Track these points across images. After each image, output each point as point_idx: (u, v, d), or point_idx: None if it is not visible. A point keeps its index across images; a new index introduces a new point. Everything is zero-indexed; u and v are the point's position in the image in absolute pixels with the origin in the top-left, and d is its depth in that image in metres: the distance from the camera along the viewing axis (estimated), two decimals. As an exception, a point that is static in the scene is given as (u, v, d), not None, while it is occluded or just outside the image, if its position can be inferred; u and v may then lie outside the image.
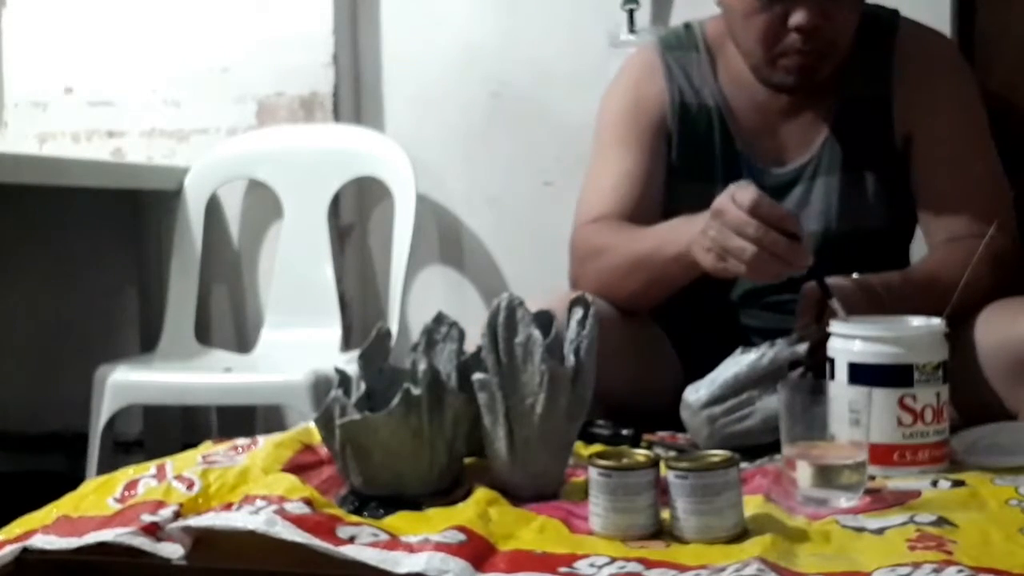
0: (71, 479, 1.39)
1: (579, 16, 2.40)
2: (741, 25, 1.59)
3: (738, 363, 1.39)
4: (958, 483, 1.20)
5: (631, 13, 2.32)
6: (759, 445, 1.33)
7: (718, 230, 1.36)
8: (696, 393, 1.39)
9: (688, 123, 1.69)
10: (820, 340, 1.37)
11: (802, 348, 1.38)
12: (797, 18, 1.53)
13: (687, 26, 1.75)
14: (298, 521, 1.03)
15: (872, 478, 1.20)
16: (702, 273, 1.45)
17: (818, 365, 1.37)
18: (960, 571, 0.92)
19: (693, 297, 1.61)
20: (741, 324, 1.67)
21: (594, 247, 1.64)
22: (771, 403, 1.34)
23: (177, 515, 1.11)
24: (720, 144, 1.68)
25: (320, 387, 2.09)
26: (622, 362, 1.43)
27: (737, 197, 1.34)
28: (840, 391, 1.23)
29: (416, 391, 1.16)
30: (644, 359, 1.59)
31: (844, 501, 1.14)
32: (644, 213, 1.63)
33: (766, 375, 1.37)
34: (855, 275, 1.47)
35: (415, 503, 1.15)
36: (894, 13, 1.69)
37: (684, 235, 1.45)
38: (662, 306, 1.67)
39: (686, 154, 1.69)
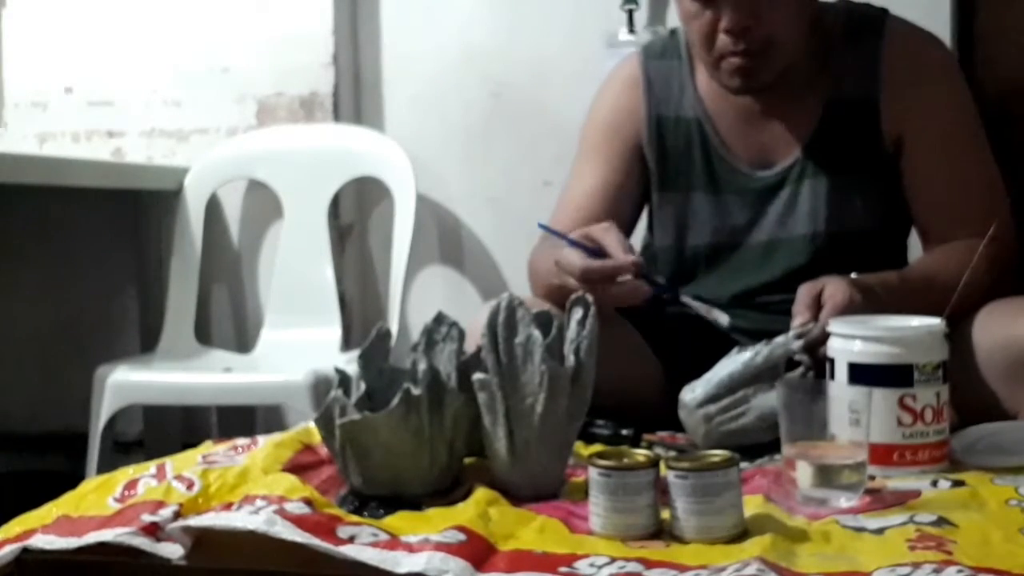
0: (71, 479, 1.39)
1: (579, 16, 2.40)
2: (687, 31, 1.62)
3: (733, 362, 1.40)
4: (958, 483, 1.20)
5: (630, 13, 2.32)
6: (759, 445, 1.33)
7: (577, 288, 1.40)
8: (692, 392, 1.40)
9: (665, 136, 1.70)
10: (817, 339, 1.38)
11: (796, 345, 1.39)
12: (724, 22, 1.53)
13: (672, 32, 1.77)
14: (298, 521, 1.03)
15: (872, 478, 1.20)
16: None
17: (815, 364, 1.37)
18: (960, 571, 0.92)
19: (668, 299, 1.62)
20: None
21: (532, 269, 1.70)
22: (766, 400, 1.35)
23: (177, 515, 1.11)
24: (700, 153, 1.68)
25: (320, 387, 2.10)
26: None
27: (569, 267, 1.43)
28: (840, 391, 1.23)
29: (416, 391, 1.16)
30: (619, 360, 1.58)
31: (844, 501, 1.14)
32: None
33: (761, 373, 1.38)
34: (853, 275, 1.47)
35: (415, 503, 1.15)
36: (883, 11, 1.68)
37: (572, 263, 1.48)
38: (638, 309, 1.67)
39: (665, 166, 1.70)
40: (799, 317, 1.42)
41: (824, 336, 1.36)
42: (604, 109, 1.76)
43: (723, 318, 1.46)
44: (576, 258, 1.43)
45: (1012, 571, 0.93)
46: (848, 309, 1.39)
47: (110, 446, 2.29)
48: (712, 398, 1.38)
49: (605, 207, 1.69)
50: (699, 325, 1.67)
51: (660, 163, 1.70)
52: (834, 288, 1.42)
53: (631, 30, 2.32)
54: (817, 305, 1.41)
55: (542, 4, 2.44)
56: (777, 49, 1.57)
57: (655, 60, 1.74)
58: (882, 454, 1.23)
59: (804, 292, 1.44)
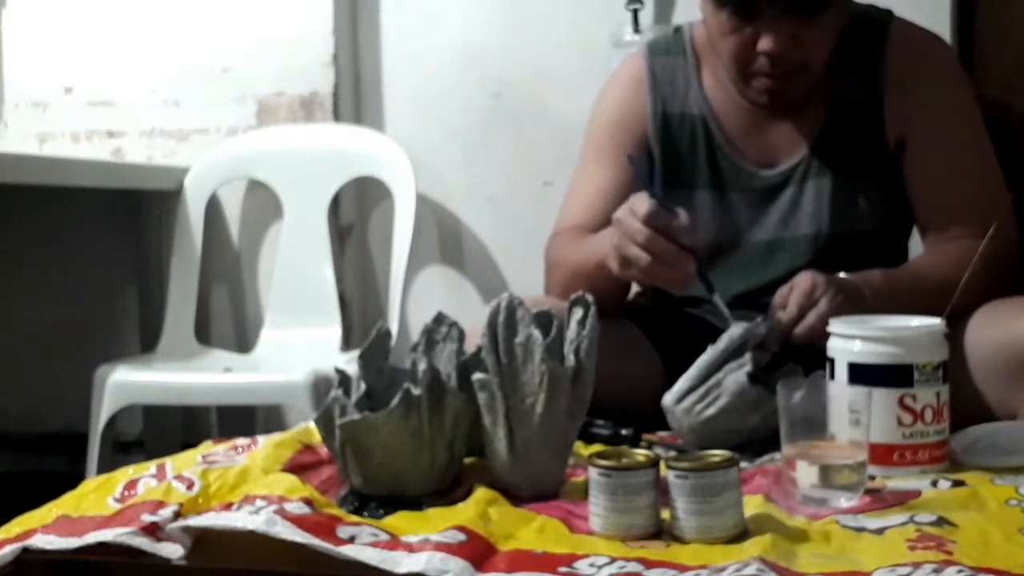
0: (71, 479, 1.39)
1: (580, 16, 2.40)
2: (717, 43, 1.62)
3: (704, 354, 1.41)
4: (958, 483, 1.20)
5: (635, 13, 2.32)
6: (759, 445, 1.33)
7: (618, 238, 1.42)
8: (671, 393, 1.40)
9: (671, 134, 1.70)
10: (786, 326, 1.41)
11: (762, 328, 1.40)
12: (764, 44, 1.53)
13: (677, 29, 1.76)
14: (298, 521, 1.03)
15: (872, 478, 1.20)
16: (621, 280, 1.50)
17: (804, 360, 1.38)
18: (960, 571, 0.92)
19: (674, 300, 1.62)
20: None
21: (553, 260, 1.71)
22: (737, 377, 1.36)
23: (177, 515, 1.11)
24: (705, 150, 1.69)
25: (320, 387, 2.10)
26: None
27: (634, 207, 1.40)
28: (840, 391, 1.23)
29: (416, 391, 1.16)
30: (619, 360, 1.58)
31: (844, 501, 1.14)
32: None
33: (728, 356, 1.39)
34: (841, 274, 1.47)
35: (415, 503, 1.15)
36: (887, 13, 1.68)
37: (605, 246, 1.49)
38: (643, 309, 1.67)
39: (671, 164, 1.70)
40: (773, 308, 1.44)
41: (793, 321, 1.41)
42: (610, 107, 1.76)
43: (736, 330, 1.43)
44: (646, 200, 1.40)
45: (1012, 571, 0.93)
46: (812, 292, 1.42)
47: (110, 446, 2.29)
48: (688, 391, 1.39)
49: (615, 205, 1.67)
50: (702, 325, 1.67)
51: (665, 160, 1.70)
52: (800, 277, 1.45)
53: (636, 30, 2.32)
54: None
55: (543, 4, 2.44)
56: (809, 73, 1.59)
57: (660, 57, 1.74)
58: (882, 454, 1.23)
59: (779, 292, 1.47)
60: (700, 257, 1.43)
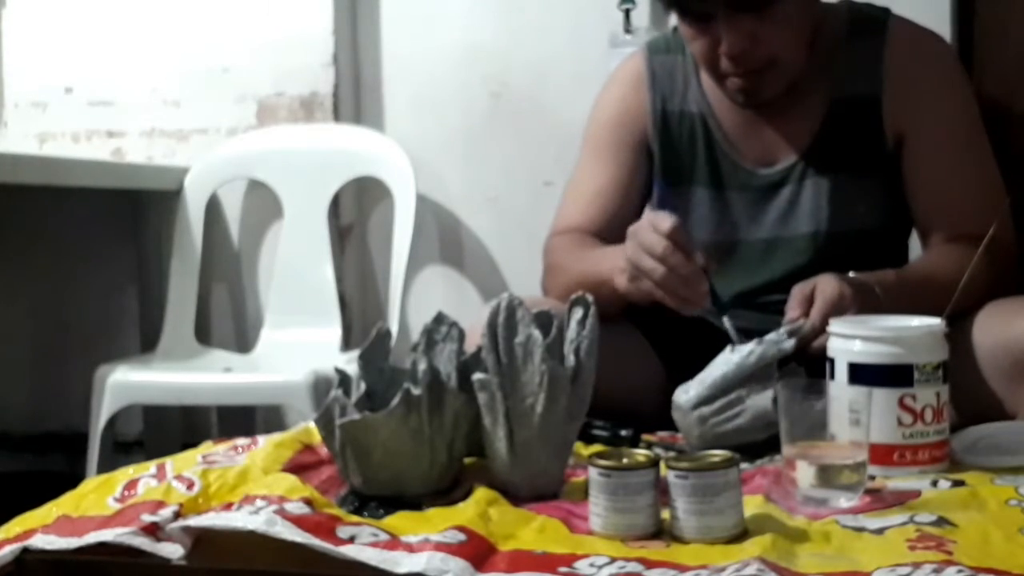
0: (71, 479, 1.39)
1: (580, 16, 2.40)
2: (690, 48, 1.63)
3: (727, 362, 1.39)
4: (958, 483, 1.20)
5: (627, 13, 2.32)
6: (759, 445, 1.33)
7: (632, 249, 1.42)
8: (686, 394, 1.39)
9: (670, 131, 1.71)
10: (809, 335, 1.39)
11: (789, 344, 1.39)
12: (723, 46, 1.54)
13: (676, 29, 1.76)
14: (298, 521, 1.03)
15: (872, 478, 1.20)
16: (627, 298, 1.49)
17: (807, 361, 1.37)
18: (960, 571, 0.92)
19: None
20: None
21: (552, 263, 1.71)
22: (760, 400, 1.35)
23: (177, 515, 1.11)
24: (704, 148, 1.69)
25: (320, 387, 2.10)
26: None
27: (656, 222, 1.41)
28: (840, 391, 1.22)
29: (416, 391, 1.16)
30: (619, 360, 1.58)
31: (844, 501, 1.14)
32: (616, 228, 1.64)
33: (754, 373, 1.38)
34: (851, 274, 1.47)
35: (415, 503, 1.15)
36: (885, 11, 1.68)
37: (611, 261, 1.49)
38: (642, 310, 1.68)
39: (669, 161, 1.70)
40: (791, 313, 1.43)
41: (815, 332, 1.38)
42: (610, 106, 1.76)
43: (770, 349, 1.40)
44: (669, 217, 1.40)
45: (1012, 571, 0.93)
46: (839, 303, 1.40)
47: (110, 446, 2.29)
48: (706, 400, 1.38)
49: (616, 204, 1.69)
50: (702, 325, 1.67)
51: (665, 156, 1.71)
52: (824, 283, 1.43)
53: (627, 29, 2.32)
54: (809, 302, 1.42)
55: (542, 4, 2.44)
56: (779, 68, 1.58)
57: (659, 55, 1.74)
58: (882, 454, 1.23)
59: (797, 290, 1.45)
60: (712, 281, 1.42)
